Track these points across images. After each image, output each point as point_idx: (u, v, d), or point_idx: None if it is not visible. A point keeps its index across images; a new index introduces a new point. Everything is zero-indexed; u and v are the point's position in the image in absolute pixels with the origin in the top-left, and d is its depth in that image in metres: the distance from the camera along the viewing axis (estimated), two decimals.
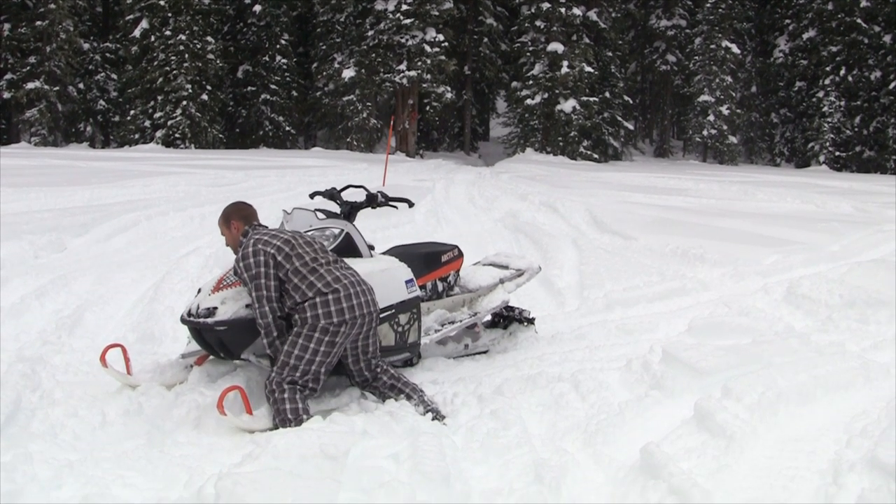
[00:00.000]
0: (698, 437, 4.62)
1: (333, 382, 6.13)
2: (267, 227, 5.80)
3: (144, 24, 41.81)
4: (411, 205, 7.13)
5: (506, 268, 7.79)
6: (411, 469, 4.33)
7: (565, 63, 41.84)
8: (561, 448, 4.86)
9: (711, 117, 47.85)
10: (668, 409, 5.29)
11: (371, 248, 6.47)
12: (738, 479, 4.21)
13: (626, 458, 4.60)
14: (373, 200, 6.78)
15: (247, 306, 5.61)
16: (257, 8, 46.25)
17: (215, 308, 5.63)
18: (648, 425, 5.06)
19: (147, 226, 13.16)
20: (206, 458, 4.83)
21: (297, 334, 5.41)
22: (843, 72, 48.42)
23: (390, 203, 6.93)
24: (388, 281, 6.23)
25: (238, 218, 5.83)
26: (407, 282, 6.42)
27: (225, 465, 4.61)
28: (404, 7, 41.01)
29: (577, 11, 42.49)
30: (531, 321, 7.87)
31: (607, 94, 47.36)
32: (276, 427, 5.23)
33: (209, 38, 42.43)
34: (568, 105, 42.08)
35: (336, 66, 43.68)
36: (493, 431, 5.12)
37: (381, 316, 6.11)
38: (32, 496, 4.15)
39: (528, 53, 43.88)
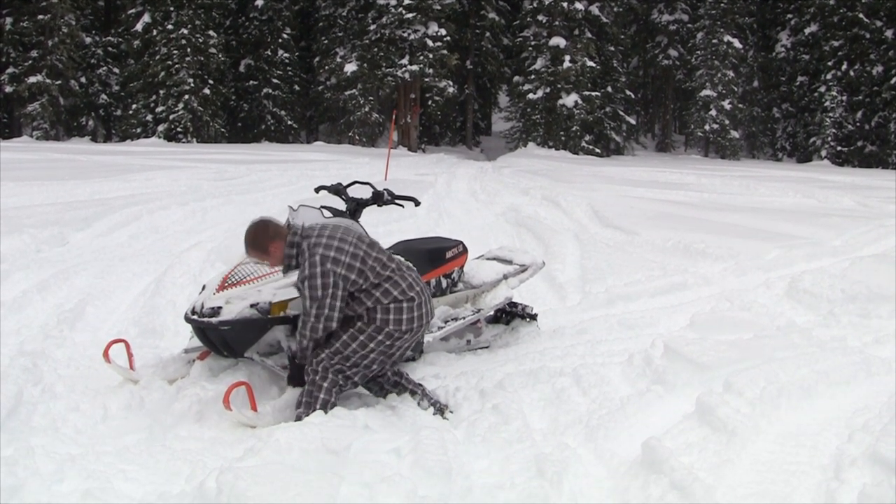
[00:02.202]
0: (700, 432, 4.62)
1: None
2: (317, 228, 5.43)
3: (146, 17, 41.83)
4: (417, 203, 7.12)
5: (509, 262, 7.77)
6: (413, 463, 4.34)
7: (567, 57, 41.83)
8: (562, 443, 4.86)
9: (713, 112, 47.82)
10: (670, 403, 5.29)
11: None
12: (739, 473, 4.21)
13: (627, 453, 4.60)
14: (379, 198, 6.76)
15: (251, 306, 5.59)
16: (259, 2, 46.26)
17: (220, 307, 5.61)
18: (650, 420, 5.07)
19: (149, 220, 13.15)
20: (207, 452, 4.83)
21: (361, 330, 5.35)
22: (844, 67, 48.38)
23: (396, 201, 6.91)
24: None
25: (271, 239, 5.35)
26: None
27: (227, 459, 4.62)
28: (406, 1, 40.98)
29: (579, 6, 42.45)
30: (534, 317, 7.86)
31: (609, 89, 47.34)
32: (299, 404, 5.27)
33: (211, 33, 42.44)
34: (570, 100, 42.05)
35: (338, 60, 43.68)
36: (495, 426, 5.12)
37: None
38: (34, 490, 4.16)
39: (531, 48, 43.86)
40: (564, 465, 4.44)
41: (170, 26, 41.20)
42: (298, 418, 5.17)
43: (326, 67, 44.08)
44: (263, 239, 5.35)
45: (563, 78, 41.83)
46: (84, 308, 7.92)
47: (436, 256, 7.03)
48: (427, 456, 4.38)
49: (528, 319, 7.83)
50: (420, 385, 5.78)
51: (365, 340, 5.33)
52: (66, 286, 8.71)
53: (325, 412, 5.13)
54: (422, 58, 41.34)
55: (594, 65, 43.11)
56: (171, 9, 41.24)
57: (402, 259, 5.68)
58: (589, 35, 43.83)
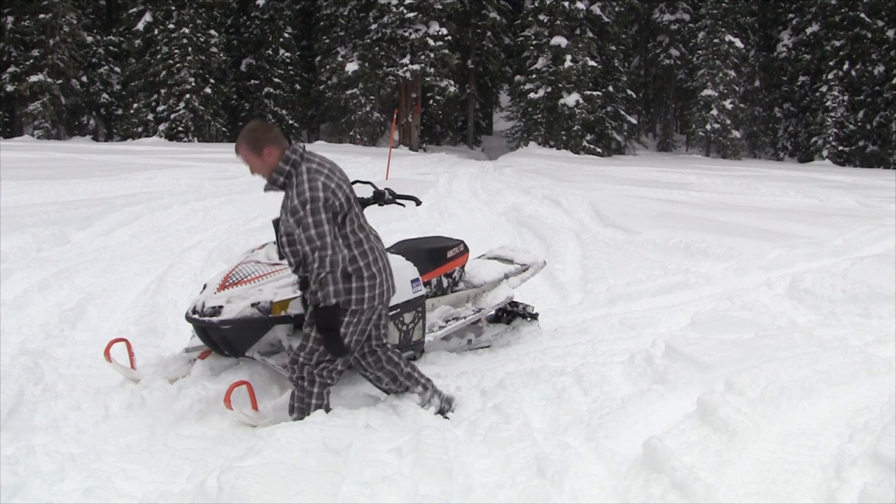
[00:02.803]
0: (701, 432, 4.62)
1: None
2: (318, 156, 5.17)
3: (148, 17, 41.83)
4: (419, 203, 7.12)
5: (510, 262, 7.77)
6: (414, 463, 4.34)
7: (568, 57, 41.81)
8: (563, 442, 4.86)
9: (715, 112, 47.80)
10: (671, 403, 5.29)
11: None
12: (740, 473, 4.21)
13: (628, 453, 4.61)
14: (380, 198, 6.76)
15: (252, 305, 5.59)
16: (260, 1, 46.32)
17: (221, 307, 5.61)
18: (651, 419, 5.07)
19: (150, 219, 13.15)
20: (208, 451, 4.83)
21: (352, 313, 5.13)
22: (846, 66, 48.39)
23: (397, 201, 6.92)
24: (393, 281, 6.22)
25: (269, 143, 5.03)
26: (412, 281, 6.40)
27: (228, 458, 4.63)
28: (407, 1, 40.96)
29: (580, 5, 42.44)
30: (535, 317, 7.86)
31: (610, 89, 47.35)
32: (292, 410, 5.18)
33: (212, 32, 42.43)
34: (571, 99, 42.04)
35: (339, 59, 43.68)
36: (496, 425, 5.12)
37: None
38: (35, 489, 4.16)
39: (532, 47, 43.87)
40: (565, 464, 4.44)
41: (171, 25, 41.20)
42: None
43: (328, 67, 44.08)
44: (263, 139, 5.05)
45: (565, 77, 41.82)
46: (85, 307, 7.93)
47: (437, 256, 7.04)
48: (428, 455, 4.38)
49: (529, 319, 7.83)
50: (429, 380, 5.75)
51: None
52: (67, 285, 8.72)
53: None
54: (423, 57, 41.34)
55: (595, 64, 43.11)
56: (173, 8, 41.23)
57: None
58: (590, 34, 43.84)
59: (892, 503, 3.71)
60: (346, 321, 5.07)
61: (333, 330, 4.95)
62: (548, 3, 42.43)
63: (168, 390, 5.62)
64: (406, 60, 41.67)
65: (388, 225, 12.64)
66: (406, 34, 41.46)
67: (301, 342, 5.15)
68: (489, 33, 50.16)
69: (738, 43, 48.44)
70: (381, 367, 5.51)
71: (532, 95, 43.20)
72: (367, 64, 42.00)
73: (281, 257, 5.31)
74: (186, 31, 40.94)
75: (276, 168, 5.02)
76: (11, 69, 40.85)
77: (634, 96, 51.90)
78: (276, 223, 5.23)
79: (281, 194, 5.08)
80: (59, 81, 40.84)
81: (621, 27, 48.92)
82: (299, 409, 5.15)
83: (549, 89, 42.53)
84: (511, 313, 7.86)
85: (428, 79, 41.92)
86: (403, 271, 6.33)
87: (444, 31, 41.80)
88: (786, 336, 6.58)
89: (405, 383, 5.58)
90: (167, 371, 5.97)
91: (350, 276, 5.02)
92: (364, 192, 6.80)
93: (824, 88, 48.82)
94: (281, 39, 47.24)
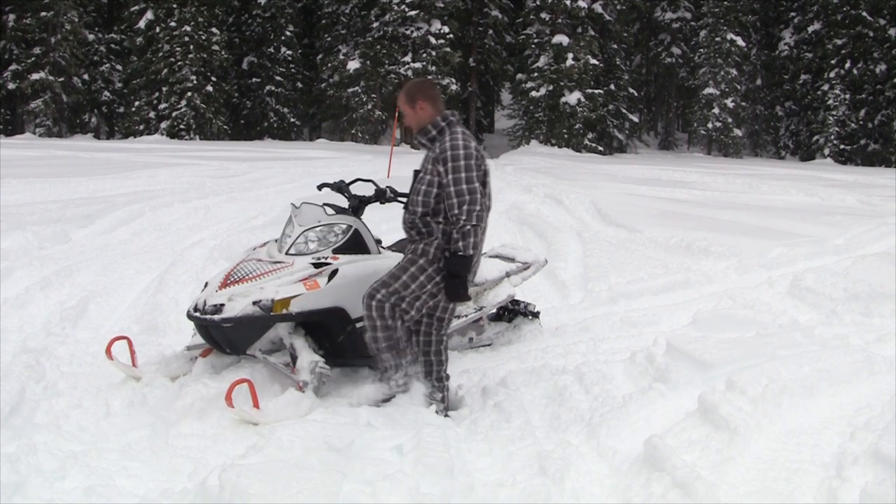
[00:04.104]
0: (702, 430, 4.62)
1: (337, 374, 6.13)
2: (462, 125, 5.47)
3: (149, 14, 41.89)
4: None
5: (512, 260, 7.76)
6: (415, 461, 4.34)
7: (570, 55, 41.79)
8: (564, 440, 4.86)
9: (716, 110, 47.81)
10: (672, 401, 5.28)
11: (378, 242, 6.45)
12: (741, 471, 4.21)
13: (629, 451, 4.60)
14: (381, 195, 6.75)
15: (254, 303, 5.59)
16: None
17: (222, 305, 5.61)
18: (652, 418, 5.06)
19: (151, 217, 13.16)
20: (210, 449, 4.83)
21: (420, 267, 5.37)
22: (848, 65, 48.39)
23: (399, 199, 6.91)
24: None
25: (424, 98, 5.44)
26: None
27: (229, 456, 4.63)
28: None
29: (582, 3, 42.41)
30: (536, 315, 7.85)
31: (612, 87, 47.29)
32: (385, 364, 5.44)
33: (214, 30, 42.47)
34: (573, 97, 42.03)
35: (341, 57, 43.70)
36: (497, 423, 5.12)
37: None
38: (36, 487, 4.16)
39: (533, 45, 43.83)
40: (566, 462, 4.44)
41: (172, 23, 41.25)
42: (435, 402, 5.47)
43: (329, 65, 44.09)
44: (419, 93, 5.44)
45: (566, 76, 41.80)
46: (86, 305, 7.94)
47: None
48: (429, 453, 4.38)
49: (530, 317, 7.82)
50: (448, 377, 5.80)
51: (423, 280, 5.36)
52: (68, 283, 8.72)
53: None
54: (424, 55, 41.35)
55: (597, 62, 43.08)
56: (174, 6, 41.28)
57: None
58: (592, 33, 43.80)
59: (893, 502, 3.71)
60: (413, 271, 5.37)
61: (463, 278, 5.27)
62: (549, 1, 42.41)
63: (169, 388, 5.62)
64: (408, 58, 41.67)
65: (390, 223, 12.59)
66: (408, 32, 41.46)
67: (383, 282, 5.40)
68: (491, 31, 50.14)
69: (740, 41, 48.46)
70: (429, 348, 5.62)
71: (534, 94, 43.17)
72: (368, 62, 42.01)
73: (406, 207, 5.62)
74: (188, 28, 40.98)
75: (433, 122, 5.41)
76: (13, 67, 40.94)
77: (636, 94, 51.85)
78: (416, 173, 5.52)
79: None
80: (61, 79, 40.90)
81: (623, 25, 48.92)
82: (392, 354, 5.39)
83: (551, 87, 42.51)
84: (512, 311, 7.85)
85: (429, 77, 41.87)
86: None
87: (446, 29, 41.80)
88: (787, 334, 6.57)
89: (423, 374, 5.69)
90: (168, 369, 5.97)
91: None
92: (365, 190, 6.80)
93: (826, 87, 48.83)
94: (282, 37, 47.27)
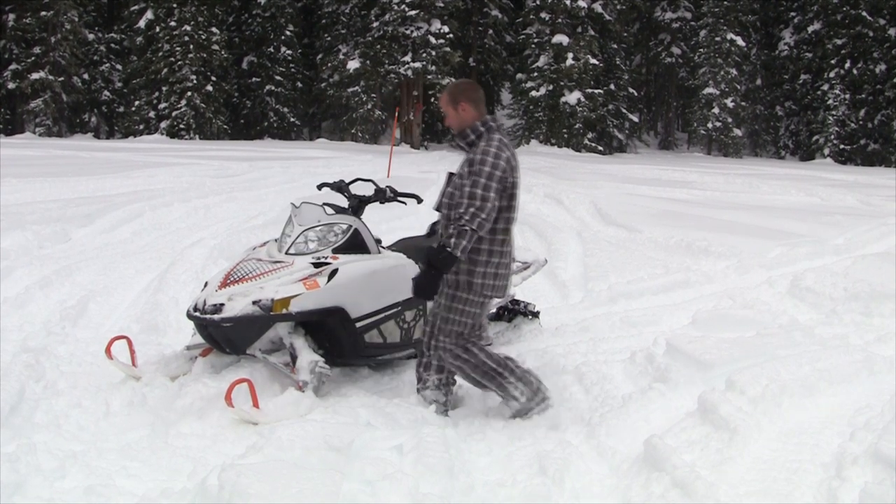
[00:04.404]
0: (702, 430, 4.62)
1: (337, 374, 6.13)
2: (502, 136, 5.36)
3: (149, 14, 41.89)
4: (420, 201, 7.11)
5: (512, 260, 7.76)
6: (415, 461, 4.33)
7: (570, 55, 41.79)
8: (564, 440, 4.86)
9: (716, 110, 47.82)
10: (672, 401, 5.28)
11: (378, 241, 6.45)
12: (741, 471, 4.21)
13: (629, 451, 4.60)
14: (381, 195, 6.75)
15: (254, 303, 5.59)
16: None
17: (222, 304, 5.61)
18: (652, 417, 5.06)
19: (151, 216, 13.16)
20: (209, 449, 4.83)
21: (462, 300, 5.30)
22: (847, 65, 48.43)
23: (399, 198, 6.91)
24: (395, 279, 6.21)
25: (467, 100, 5.31)
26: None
27: (229, 456, 4.62)
28: None
29: (581, 3, 42.41)
30: (536, 315, 7.84)
31: (612, 87, 47.31)
32: (497, 390, 5.33)
33: (214, 29, 42.46)
34: (573, 97, 42.03)
35: (341, 57, 43.65)
36: (497, 423, 5.12)
37: (388, 313, 6.12)
38: (36, 487, 4.17)
39: (533, 45, 43.84)
40: (566, 462, 4.44)
41: (172, 23, 41.22)
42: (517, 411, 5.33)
43: (329, 64, 44.06)
44: (462, 95, 5.34)
45: (566, 75, 41.80)
46: (86, 304, 7.93)
47: None
48: (429, 453, 4.38)
49: (530, 317, 7.82)
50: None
51: (468, 308, 5.31)
52: (68, 283, 8.72)
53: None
54: (424, 55, 41.29)
55: (597, 62, 43.08)
56: (174, 5, 41.24)
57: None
58: (592, 32, 43.80)
59: (893, 502, 3.71)
60: (459, 307, 5.28)
61: (439, 273, 5.13)
62: (549, 1, 42.40)
63: (169, 388, 5.62)
64: (407, 58, 41.62)
65: (390, 223, 12.63)
66: (407, 32, 41.41)
67: (440, 328, 5.33)
68: (491, 31, 50.14)
69: (740, 41, 48.49)
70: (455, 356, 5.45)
71: (533, 93, 43.16)
72: (368, 62, 41.96)
73: (436, 208, 5.50)
74: (188, 28, 40.97)
75: (472, 126, 5.30)
76: (13, 67, 40.94)
77: (636, 94, 51.89)
78: (450, 176, 5.42)
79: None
80: (61, 79, 40.89)
81: (623, 25, 48.91)
82: (491, 380, 5.31)
83: (551, 87, 42.52)
84: (512, 311, 7.84)
85: (429, 77, 41.83)
86: (404, 269, 6.33)
87: (446, 28, 41.76)
88: (787, 334, 6.57)
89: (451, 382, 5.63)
90: (168, 369, 5.97)
91: (478, 251, 5.21)
92: (365, 189, 6.80)
93: (826, 87, 48.86)
94: (282, 37, 47.26)
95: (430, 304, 7.14)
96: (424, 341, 5.58)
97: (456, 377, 5.65)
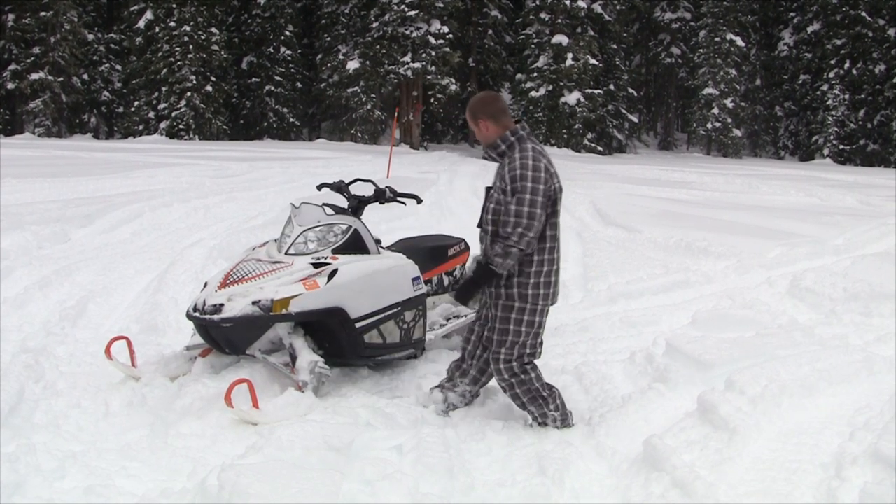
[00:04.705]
0: (701, 430, 4.62)
1: (337, 374, 6.13)
2: (534, 143, 5.18)
3: (149, 14, 41.85)
4: (419, 201, 7.11)
5: None
6: (415, 461, 4.34)
7: (570, 55, 41.77)
8: (564, 440, 4.86)
9: (716, 110, 47.84)
10: (672, 401, 5.29)
11: (378, 241, 6.45)
12: (740, 471, 4.21)
13: (629, 451, 4.61)
14: (381, 195, 6.75)
15: (253, 303, 5.58)
16: None
17: (222, 305, 5.61)
18: (651, 418, 5.07)
19: (151, 217, 13.15)
20: (209, 449, 4.83)
21: (516, 310, 5.15)
22: (847, 65, 48.46)
23: (398, 199, 6.91)
24: (394, 279, 6.21)
25: (486, 117, 5.16)
26: (413, 279, 6.40)
27: (228, 456, 4.62)
28: None
29: (581, 3, 42.39)
30: None
31: (612, 87, 47.33)
32: (537, 414, 5.18)
33: (214, 30, 42.43)
34: (572, 97, 42.01)
35: (340, 57, 43.64)
36: (497, 423, 5.12)
37: (388, 314, 6.12)
38: (35, 487, 4.17)
39: (533, 45, 43.83)
40: (566, 462, 4.45)
41: (172, 23, 41.19)
42: (543, 420, 5.21)
43: (329, 65, 44.05)
44: (482, 111, 5.21)
45: (566, 76, 41.78)
46: (86, 305, 7.93)
47: (438, 254, 7.05)
48: (429, 453, 4.38)
49: None
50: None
51: (529, 318, 5.16)
52: (67, 283, 8.72)
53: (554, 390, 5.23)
54: (424, 55, 41.28)
55: (596, 63, 43.06)
56: (174, 6, 41.21)
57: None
58: (591, 33, 43.79)
59: (892, 502, 3.71)
60: (514, 317, 5.13)
61: (479, 286, 5.15)
62: (549, 1, 42.38)
63: (169, 388, 5.62)
64: (407, 59, 41.60)
65: (389, 223, 12.63)
66: (407, 32, 41.39)
67: (499, 341, 5.17)
68: (490, 31, 50.13)
69: (740, 41, 48.50)
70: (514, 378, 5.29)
71: (533, 94, 43.13)
72: (368, 62, 41.95)
73: (479, 225, 5.36)
74: (187, 28, 40.94)
75: (502, 136, 5.15)
76: (12, 67, 40.89)
77: (635, 95, 51.91)
78: (488, 190, 5.30)
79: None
80: (60, 79, 40.85)
81: (622, 25, 48.92)
82: (530, 399, 5.17)
83: (551, 88, 42.50)
84: None
85: (429, 77, 41.84)
86: (404, 269, 6.33)
87: (446, 29, 41.74)
88: (786, 334, 6.58)
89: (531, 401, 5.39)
90: (168, 369, 5.97)
91: (530, 262, 5.12)
92: (365, 190, 6.80)
93: (825, 87, 48.90)
94: (282, 37, 47.25)
95: (465, 311, 7.17)
96: (468, 350, 5.53)
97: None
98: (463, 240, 7.42)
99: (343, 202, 6.62)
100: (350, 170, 22.09)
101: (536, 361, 5.25)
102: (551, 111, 42.87)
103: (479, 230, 5.35)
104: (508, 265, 4.95)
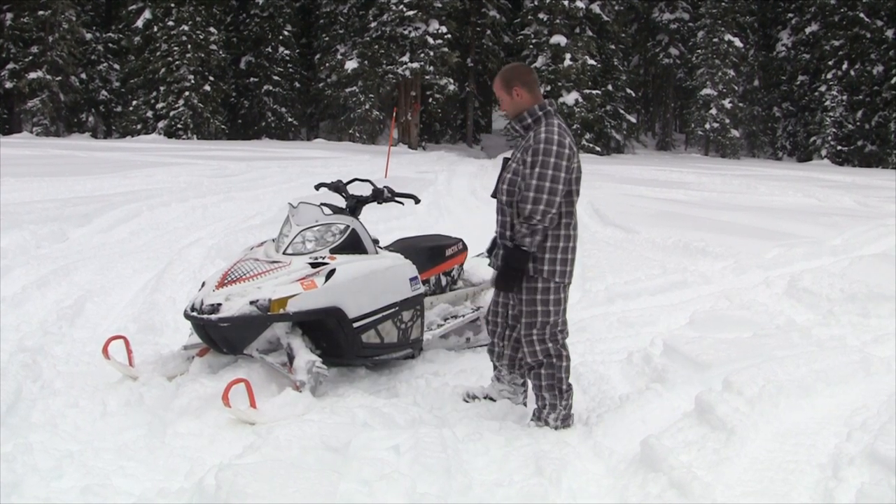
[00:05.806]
0: (699, 430, 4.62)
1: (335, 374, 6.13)
2: (560, 120, 5.15)
3: (147, 14, 41.87)
4: (417, 201, 7.11)
5: None
6: (412, 461, 4.33)
7: (568, 56, 41.78)
8: (561, 440, 4.87)
9: (714, 111, 47.86)
10: (669, 402, 5.29)
11: (375, 241, 6.45)
12: (738, 472, 4.21)
13: (626, 451, 4.61)
14: (379, 195, 6.75)
15: (251, 303, 5.58)
16: None
17: (219, 304, 5.60)
18: (649, 418, 5.07)
19: (149, 216, 13.15)
20: (207, 448, 4.82)
21: (535, 290, 5.16)
22: (845, 66, 48.48)
23: (396, 199, 6.91)
24: (392, 279, 6.21)
25: (521, 84, 5.14)
26: (411, 279, 6.39)
27: (226, 455, 4.61)
28: None
29: (580, 4, 42.38)
30: None
31: (610, 87, 47.32)
32: (547, 401, 5.23)
33: (212, 29, 42.46)
34: (570, 98, 42.02)
35: (339, 57, 43.68)
36: (494, 423, 5.12)
37: (385, 313, 6.11)
38: (33, 486, 4.16)
39: (531, 46, 43.82)
40: (563, 462, 4.45)
41: (170, 23, 41.22)
42: (559, 422, 5.21)
43: (327, 65, 44.09)
44: (520, 78, 5.19)
45: (564, 76, 41.79)
46: (83, 304, 7.92)
47: (436, 254, 7.05)
48: (426, 453, 4.38)
49: None
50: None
51: (556, 297, 5.21)
52: (65, 282, 8.71)
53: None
54: (422, 55, 41.30)
55: (595, 63, 43.09)
56: (172, 5, 41.22)
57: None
58: (590, 33, 43.80)
59: (889, 503, 3.72)
60: (535, 297, 5.15)
61: (516, 269, 5.07)
62: (547, 1, 42.36)
63: (166, 388, 5.61)
64: (405, 58, 41.63)
65: (387, 223, 12.63)
66: (405, 32, 41.42)
67: (528, 323, 5.19)
68: (489, 31, 50.15)
69: (738, 42, 48.51)
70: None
71: None
72: (366, 62, 41.98)
73: (493, 195, 5.36)
74: (186, 28, 40.96)
75: (529, 109, 5.14)
76: (10, 66, 40.86)
77: (634, 95, 51.88)
78: (505, 161, 5.31)
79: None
80: (59, 78, 40.83)
81: (621, 26, 48.91)
82: (552, 393, 5.20)
83: (549, 88, 42.47)
84: None
85: (427, 77, 41.88)
86: (402, 269, 6.33)
87: (444, 29, 41.77)
88: (784, 335, 6.59)
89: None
90: (165, 368, 5.96)
91: (545, 237, 5.10)
92: (363, 190, 6.80)
93: (823, 88, 48.92)
94: (280, 37, 47.24)
95: (464, 311, 7.18)
96: (497, 332, 5.58)
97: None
98: (461, 240, 7.41)
99: (341, 202, 6.62)
100: (348, 169, 22.09)
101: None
102: None
103: (493, 199, 5.38)
104: (537, 242, 4.98)
